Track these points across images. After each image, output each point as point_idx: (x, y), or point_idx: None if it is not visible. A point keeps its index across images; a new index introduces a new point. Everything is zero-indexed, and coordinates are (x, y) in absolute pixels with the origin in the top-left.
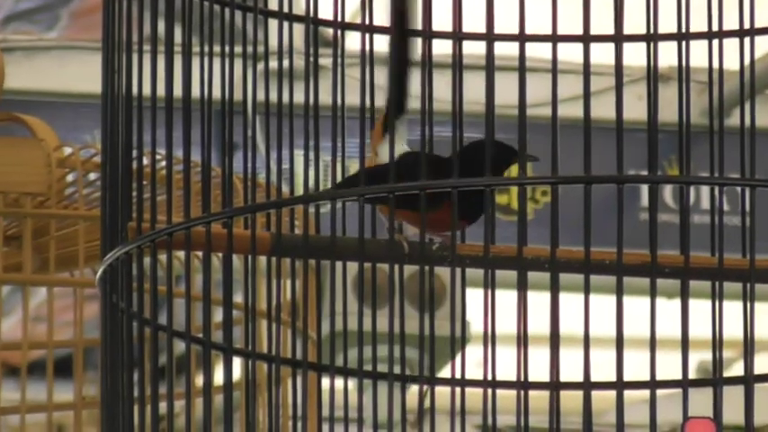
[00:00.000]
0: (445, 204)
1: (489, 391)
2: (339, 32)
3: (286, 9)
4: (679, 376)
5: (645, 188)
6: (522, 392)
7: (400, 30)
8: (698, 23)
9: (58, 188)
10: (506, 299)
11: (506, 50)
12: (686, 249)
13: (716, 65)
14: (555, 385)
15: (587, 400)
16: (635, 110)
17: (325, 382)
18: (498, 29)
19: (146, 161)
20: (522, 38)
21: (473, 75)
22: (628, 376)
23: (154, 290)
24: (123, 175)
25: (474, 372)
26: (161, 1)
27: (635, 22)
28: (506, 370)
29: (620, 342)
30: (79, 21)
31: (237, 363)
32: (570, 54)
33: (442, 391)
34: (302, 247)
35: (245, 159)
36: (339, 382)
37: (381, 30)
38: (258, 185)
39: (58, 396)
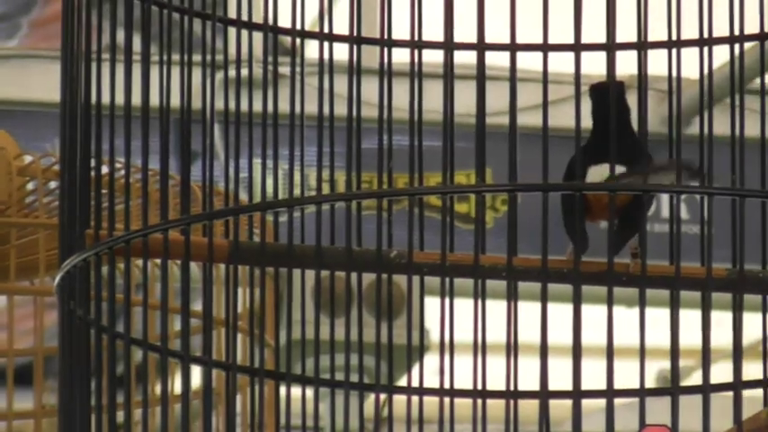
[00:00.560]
0: None
1: (447, 399)
2: (298, 41)
3: (245, 17)
4: (637, 385)
5: None
6: (480, 401)
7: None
8: (657, 33)
9: (19, 197)
10: (464, 307)
11: (465, 59)
12: (644, 258)
13: (675, 74)
14: (512, 394)
15: (544, 409)
16: None
17: (283, 390)
18: (457, 37)
19: (104, 169)
20: (481, 46)
21: (432, 83)
22: (585, 385)
23: (111, 297)
24: (82, 184)
25: (432, 380)
26: (120, 10)
27: (594, 32)
28: (464, 379)
29: (577, 351)
30: (39, 30)
31: (196, 371)
32: (529, 63)
33: (400, 400)
34: (260, 255)
35: (203, 167)
36: (297, 391)
37: (340, 38)
38: (216, 193)
39: (19, 404)
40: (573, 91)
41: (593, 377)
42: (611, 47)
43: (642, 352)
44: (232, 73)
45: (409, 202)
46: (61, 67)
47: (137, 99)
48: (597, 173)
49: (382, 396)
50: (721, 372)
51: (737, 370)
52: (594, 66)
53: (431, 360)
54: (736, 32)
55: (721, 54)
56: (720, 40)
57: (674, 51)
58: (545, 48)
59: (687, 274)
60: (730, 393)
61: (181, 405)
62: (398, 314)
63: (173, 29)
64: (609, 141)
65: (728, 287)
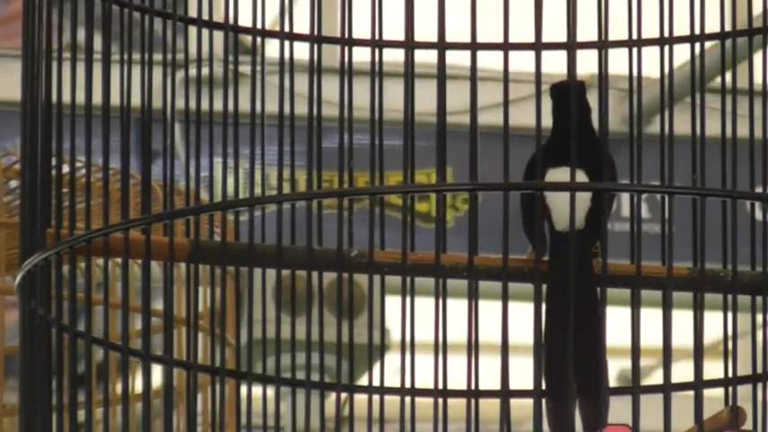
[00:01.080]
0: None
1: (408, 398)
2: (258, 40)
3: (206, 16)
4: None
5: None
6: (441, 400)
7: None
8: (618, 32)
9: None
10: (425, 306)
11: (426, 58)
12: (605, 257)
13: (636, 73)
14: (473, 393)
15: (505, 408)
16: None
17: (244, 389)
18: (418, 36)
19: (65, 168)
20: (441, 46)
21: (392, 82)
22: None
23: (72, 296)
24: (43, 183)
25: (393, 379)
26: (81, 9)
27: (555, 31)
28: (425, 378)
29: (537, 350)
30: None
31: (157, 370)
32: (490, 62)
33: (361, 399)
34: (221, 254)
35: (164, 166)
36: (258, 390)
37: (301, 37)
38: (177, 192)
39: None
40: (533, 90)
41: None
42: (571, 46)
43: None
44: (193, 72)
45: (370, 202)
46: (22, 65)
47: (98, 98)
48: (556, 176)
49: (343, 395)
50: (682, 371)
51: (698, 369)
52: (555, 65)
53: (392, 359)
54: (697, 31)
55: (682, 53)
56: (681, 39)
57: (634, 50)
58: (506, 47)
59: (648, 273)
60: (691, 392)
61: (142, 404)
62: (359, 313)
63: (133, 28)
64: (569, 140)
65: (689, 286)
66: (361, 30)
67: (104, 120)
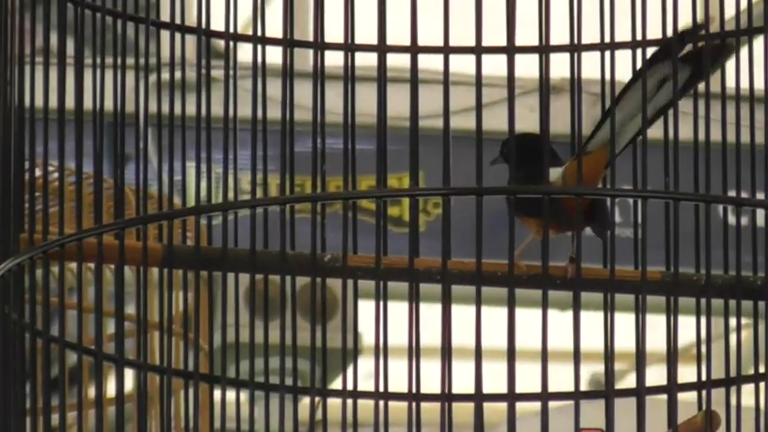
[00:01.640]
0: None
1: (381, 402)
2: (231, 44)
3: (178, 21)
4: (571, 388)
5: None
6: (414, 404)
7: None
8: (590, 35)
9: None
10: (398, 310)
11: (398, 62)
12: (578, 261)
13: (608, 76)
14: (447, 397)
15: (479, 412)
16: (527, 121)
17: (217, 393)
18: (390, 41)
19: (38, 172)
20: (414, 49)
21: (364, 86)
22: (520, 388)
23: (46, 301)
24: (15, 187)
25: (366, 383)
26: (53, 13)
27: (527, 34)
28: (399, 382)
29: (511, 354)
30: None
31: (130, 374)
32: (462, 66)
33: (334, 403)
34: (194, 259)
35: (137, 171)
36: (231, 394)
37: (273, 41)
38: (150, 197)
39: None
40: (506, 94)
41: (528, 380)
42: (544, 49)
43: (577, 355)
44: (165, 76)
45: (343, 206)
46: None
47: (70, 102)
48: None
49: (317, 399)
50: (655, 375)
51: (672, 373)
52: (527, 68)
53: (365, 363)
54: (669, 35)
55: None
56: (653, 43)
57: (607, 54)
58: (478, 50)
59: (622, 277)
60: (665, 396)
61: (115, 408)
62: (332, 317)
63: (106, 32)
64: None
65: (663, 290)
66: (334, 34)
67: (77, 124)
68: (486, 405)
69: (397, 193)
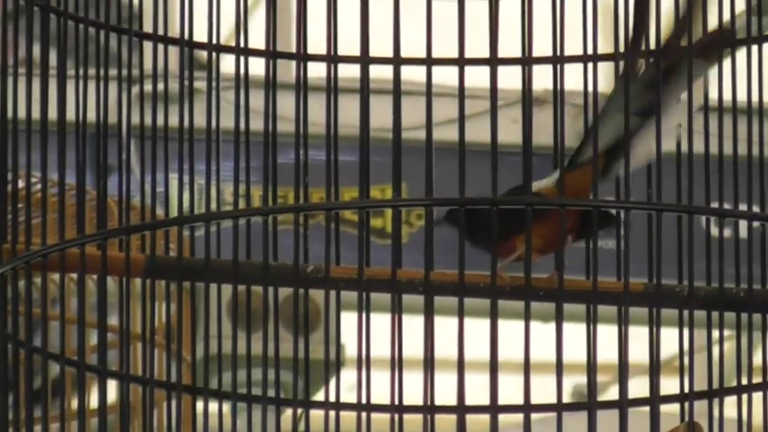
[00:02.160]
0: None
1: (364, 414)
2: (213, 55)
3: (161, 32)
4: (554, 400)
5: None
6: (397, 416)
7: None
8: (573, 47)
9: None
10: (381, 322)
11: (381, 73)
12: (561, 272)
13: (591, 88)
14: (429, 409)
15: (461, 424)
16: (510, 133)
17: (200, 405)
18: (373, 52)
19: (21, 184)
20: (397, 61)
21: (347, 97)
22: (502, 400)
23: (28, 312)
24: None
25: (349, 395)
26: (36, 24)
27: (510, 46)
28: (381, 393)
29: (494, 365)
30: None
31: (112, 385)
32: (445, 77)
33: (317, 415)
34: (176, 270)
35: (119, 182)
36: (214, 406)
37: (256, 53)
38: (133, 208)
39: None
40: (489, 105)
41: (511, 392)
42: (527, 61)
43: (559, 367)
44: (148, 87)
45: (326, 217)
46: None
47: (53, 113)
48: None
49: (299, 411)
50: (638, 387)
51: (654, 384)
52: (510, 80)
53: (348, 375)
54: (653, 47)
55: None
56: (638, 55)
57: (590, 66)
58: (461, 62)
59: (604, 289)
60: (647, 408)
61: (98, 419)
62: (315, 329)
63: (89, 43)
64: None
65: (645, 301)
66: (317, 45)
67: (60, 135)
68: (469, 417)
69: (380, 204)
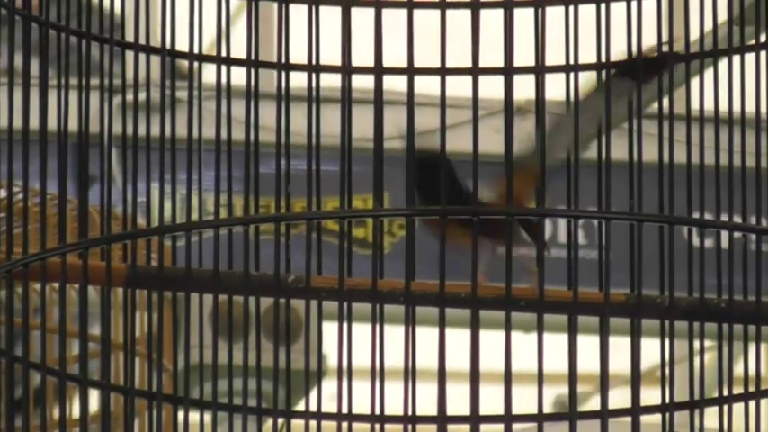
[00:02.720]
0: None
1: (345, 424)
2: (195, 65)
3: (142, 41)
4: (535, 410)
5: None
6: (378, 426)
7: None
8: (555, 56)
9: None
10: (362, 332)
11: (363, 83)
12: (541, 282)
13: (573, 98)
14: (410, 419)
15: None
16: (491, 143)
17: (181, 414)
18: (355, 62)
19: (2, 193)
20: (378, 70)
21: (329, 107)
22: (483, 410)
23: (9, 321)
24: None
25: (330, 405)
26: (18, 33)
27: (492, 55)
28: (362, 403)
29: (475, 375)
30: None
31: (94, 395)
32: (427, 87)
33: (298, 425)
34: (158, 279)
35: (101, 191)
36: (195, 415)
37: (237, 62)
38: (114, 217)
39: None
40: (470, 115)
41: (492, 402)
42: (508, 71)
43: (540, 377)
44: (130, 97)
45: (307, 227)
46: None
47: (34, 123)
48: None
49: (280, 420)
50: (619, 397)
51: (635, 395)
52: (492, 89)
53: (329, 385)
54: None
55: None
56: (618, 64)
57: (571, 75)
58: (442, 71)
59: (585, 299)
60: (629, 419)
61: (79, 429)
62: (296, 339)
63: (70, 53)
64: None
65: (627, 312)
66: (299, 55)
67: (41, 144)
68: (450, 427)
69: (361, 214)
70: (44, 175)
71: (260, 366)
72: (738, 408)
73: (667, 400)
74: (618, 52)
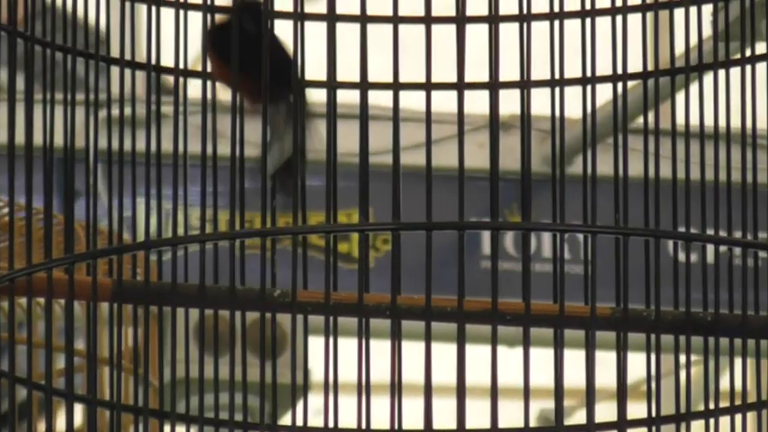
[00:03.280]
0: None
1: None
2: (180, 80)
3: (128, 56)
4: (521, 424)
5: (486, 237)
6: None
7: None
8: (540, 71)
9: None
10: (348, 346)
11: (348, 98)
12: (527, 296)
13: (558, 113)
14: None
15: None
16: (476, 158)
17: (167, 429)
18: (340, 76)
19: None
20: (363, 86)
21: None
22: (469, 424)
23: None
24: None
25: (316, 419)
26: (3, 49)
27: (477, 70)
28: (348, 418)
29: (461, 390)
30: None
31: (79, 410)
32: (412, 102)
33: None
34: (143, 294)
35: (87, 206)
36: (181, 430)
37: None
38: (100, 232)
39: None
40: (455, 130)
41: (478, 416)
42: (494, 85)
43: (526, 391)
44: (115, 112)
45: (292, 241)
46: None
47: (20, 138)
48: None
49: None
50: (605, 411)
51: (622, 409)
52: (478, 104)
53: (314, 399)
54: (619, 71)
55: (604, 93)
56: (603, 79)
57: (556, 90)
58: (428, 86)
59: (571, 313)
60: None
61: None
62: (282, 353)
63: (56, 68)
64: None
65: (613, 326)
66: None
67: (27, 159)
68: None
69: (347, 228)
70: (30, 189)
71: (246, 381)
72: (724, 421)
73: (654, 414)
74: (604, 67)
